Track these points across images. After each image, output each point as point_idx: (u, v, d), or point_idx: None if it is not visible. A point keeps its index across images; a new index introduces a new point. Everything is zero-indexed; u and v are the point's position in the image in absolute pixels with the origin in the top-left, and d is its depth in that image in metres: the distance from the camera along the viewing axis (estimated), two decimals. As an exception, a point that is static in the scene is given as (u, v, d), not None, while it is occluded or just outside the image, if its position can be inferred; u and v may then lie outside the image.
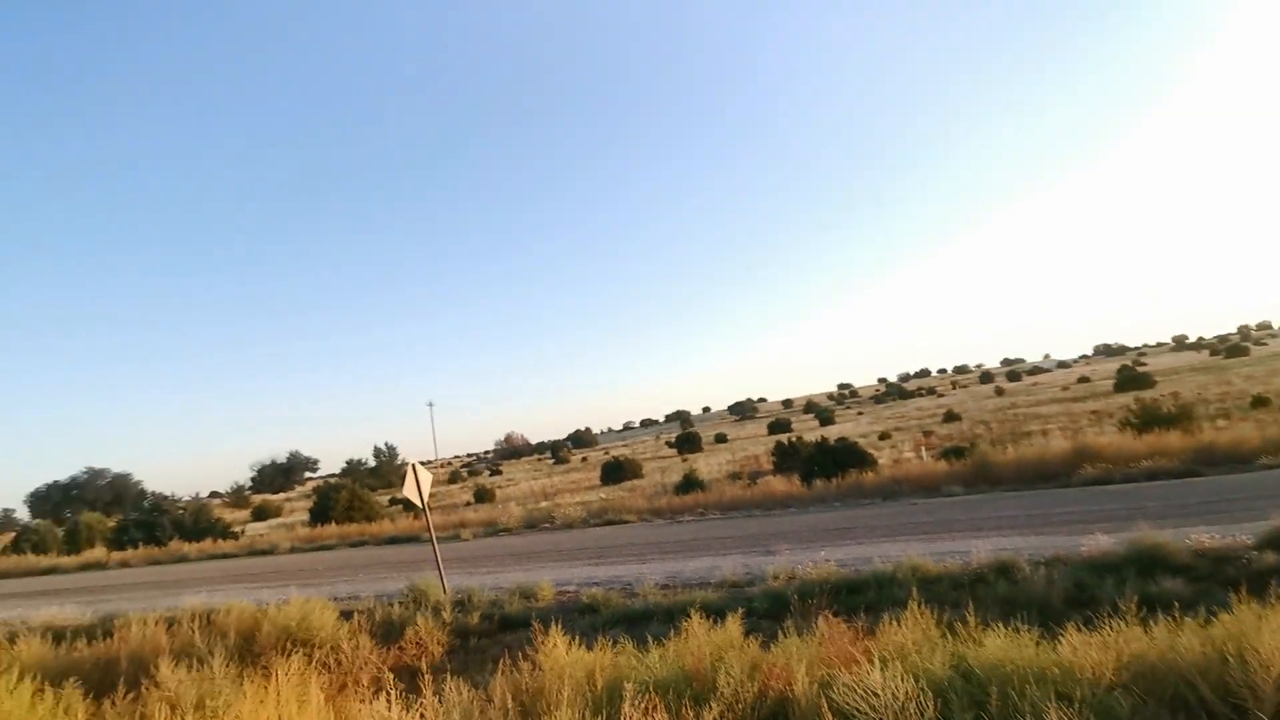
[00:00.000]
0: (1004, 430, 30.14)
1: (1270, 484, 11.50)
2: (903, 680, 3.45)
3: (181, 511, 32.98)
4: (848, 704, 3.29)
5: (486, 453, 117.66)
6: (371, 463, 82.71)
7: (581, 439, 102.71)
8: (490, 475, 63.53)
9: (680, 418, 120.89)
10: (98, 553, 27.27)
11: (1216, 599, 5.60)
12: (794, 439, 29.35)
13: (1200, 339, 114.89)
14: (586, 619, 8.32)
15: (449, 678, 4.59)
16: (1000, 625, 4.23)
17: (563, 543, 15.69)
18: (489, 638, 8.31)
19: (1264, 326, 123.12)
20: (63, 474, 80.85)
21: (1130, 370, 53.74)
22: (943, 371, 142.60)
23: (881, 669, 3.49)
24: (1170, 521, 9.02)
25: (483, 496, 36.55)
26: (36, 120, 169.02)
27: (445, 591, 10.00)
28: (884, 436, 37.31)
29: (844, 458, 20.10)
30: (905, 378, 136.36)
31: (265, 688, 4.26)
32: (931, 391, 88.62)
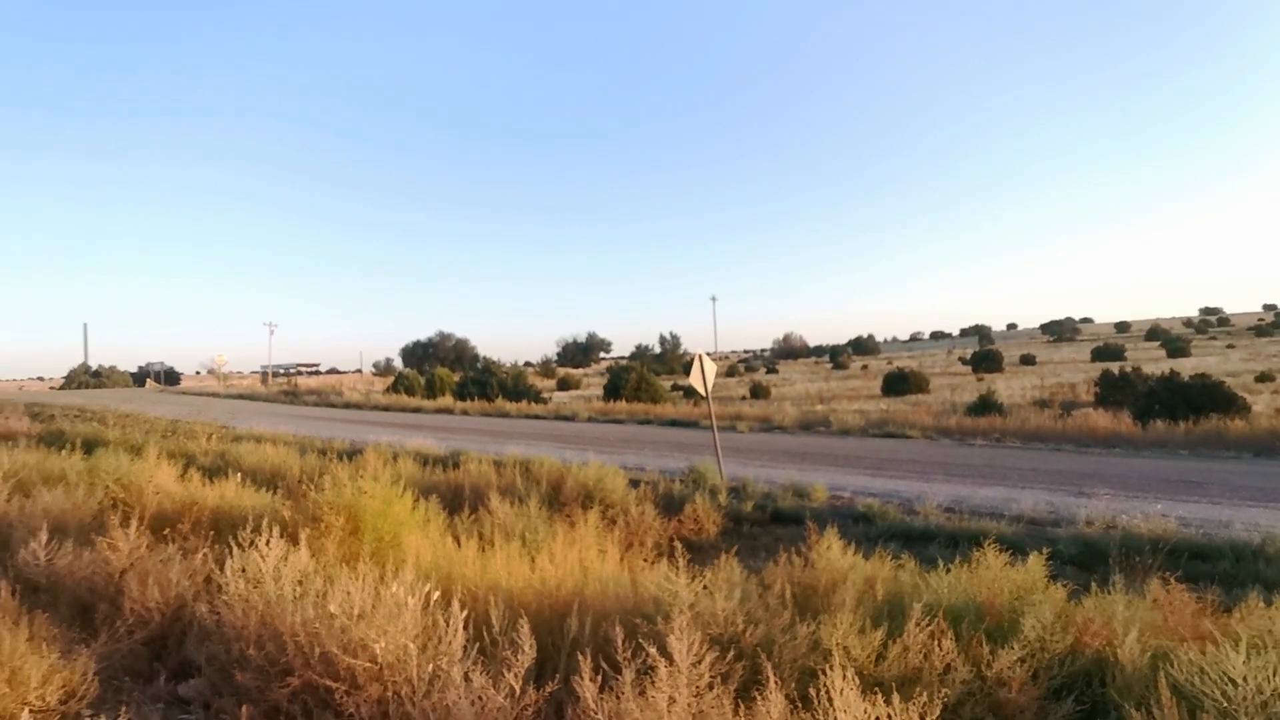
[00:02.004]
0: None
1: None
2: (1274, 674, 2.80)
3: (505, 375, 39.15)
4: (1191, 684, 2.76)
5: (764, 351, 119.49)
6: (657, 349, 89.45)
7: (863, 346, 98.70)
8: (766, 373, 64.56)
9: (979, 333, 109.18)
10: (447, 400, 34.04)
11: None
12: (1129, 369, 24.70)
13: None
14: (860, 527, 8.18)
15: (725, 556, 4.86)
16: None
17: (837, 448, 15.48)
18: (761, 527, 8.64)
19: None
20: (423, 334, 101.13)
21: None
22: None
23: (1246, 655, 2.85)
24: None
25: (758, 393, 37.41)
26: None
27: (722, 477, 10.55)
28: (1264, 378, 29.63)
29: (1200, 398, 16.44)
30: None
31: (572, 533, 4.95)
32: (1346, 327, 67.46)
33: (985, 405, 20.64)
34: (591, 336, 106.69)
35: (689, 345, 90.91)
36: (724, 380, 56.20)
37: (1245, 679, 2.85)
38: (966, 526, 7.69)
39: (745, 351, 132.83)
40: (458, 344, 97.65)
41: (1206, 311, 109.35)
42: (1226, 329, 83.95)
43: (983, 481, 10.88)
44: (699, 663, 2.59)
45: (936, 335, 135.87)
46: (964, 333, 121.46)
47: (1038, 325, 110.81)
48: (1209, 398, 16.50)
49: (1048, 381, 34.77)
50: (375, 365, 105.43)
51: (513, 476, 9.50)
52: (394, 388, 42.09)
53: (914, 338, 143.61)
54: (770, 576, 4.60)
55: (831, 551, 4.65)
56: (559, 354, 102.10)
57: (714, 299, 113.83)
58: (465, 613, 3.05)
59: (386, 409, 32.09)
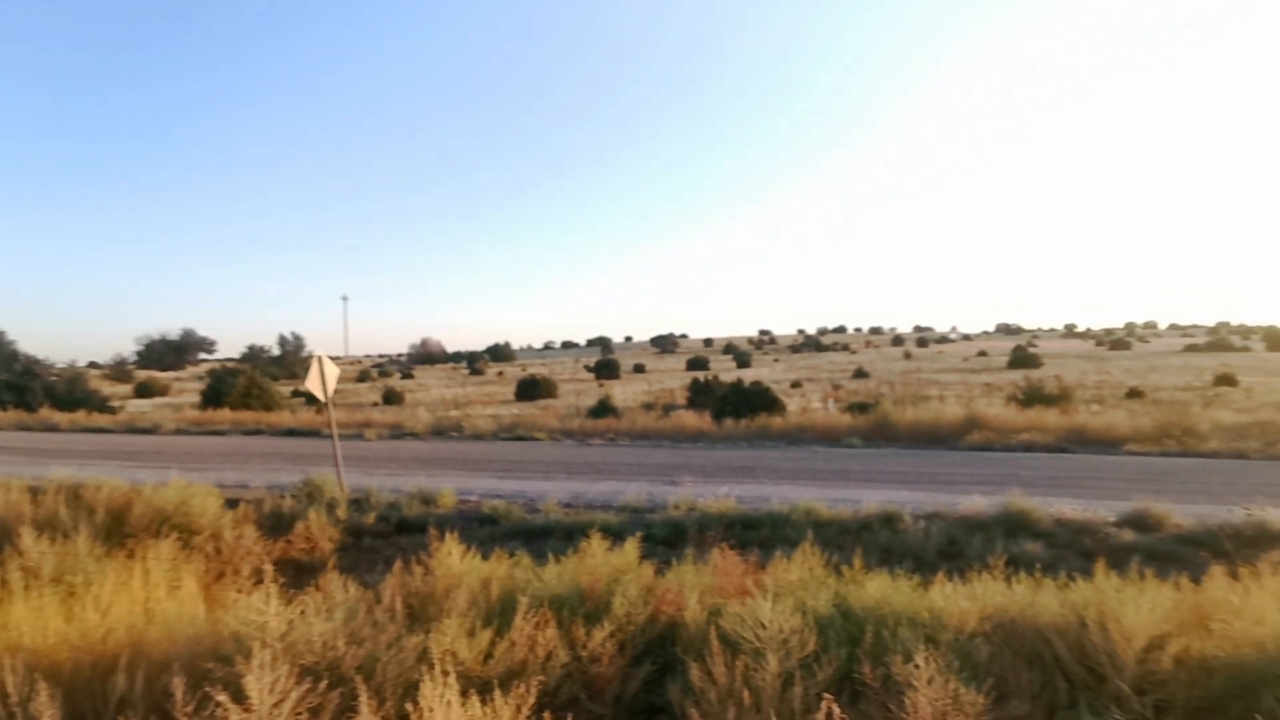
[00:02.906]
0: (907, 392, 31.76)
1: (1133, 469, 12.61)
2: (790, 614, 3.60)
3: (55, 379, 30.68)
4: (735, 632, 3.40)
5: (400, 356, 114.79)
6: (276, 351, 79.22)
7: (500, 353, 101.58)
8: (401, 379, 62.15)
9: (602, 344, 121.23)
10: (-42, 411, 25.23)
11: (1072, 566, 6.10)
12: (710, 377, 29.94)
13: (1089, 330, 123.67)
14: (486, 529, 8.34)
15: (337, 574, 4.49)
16: (881, 571, 4.48)
17: (469, 453, 15.60)
18: (384, 539, 8.21)
19: (1149, 326, 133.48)
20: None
21: (1023, 350, 57.39)
22: (859, 330, 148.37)
23: (772, 602, 3.62)
24: (1039, 491, 9.76)
25: (391, 399, 35.78)
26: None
27: (342, 489, 9.77)
28: (796, 385, 38.67)
29: (755, 400, 20.70)
30: (823, 332, 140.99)
31: (130, 568, 4.03)
32: (845, 348, 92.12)
33: (603, 409, 22.95)
34: (188, 334, 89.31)
35: (317, 348, 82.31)
36: (354, 386, 52.44)
37: (770, 622, 3.64)
38: (581, 519, 8.40)
39: (381, 356, 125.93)
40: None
41: (763, 332, 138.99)
42: (775, 346, 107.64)
43: (598, 477, 12.03)
44: (282, 701, 2.31)
45: (567, 344, 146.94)
46: (590, 343, 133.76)
47: (649, 339, 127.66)
48: (761, 400, 20.90)
49: (654, 387, 40.28)
50: None
51: (55, 506, 7.44)
52: None
53: (547, 346, 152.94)
54: (383, 589, 4.39)
55: (451, 557, 4.63)
56: (140, 354, 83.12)
57: (345, 299, 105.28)
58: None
59: None
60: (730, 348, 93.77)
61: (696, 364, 62.09)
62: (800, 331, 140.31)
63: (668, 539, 7.74)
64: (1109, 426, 16.13)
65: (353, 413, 24.29)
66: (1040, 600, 4.07)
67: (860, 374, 45.26)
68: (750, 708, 2.92)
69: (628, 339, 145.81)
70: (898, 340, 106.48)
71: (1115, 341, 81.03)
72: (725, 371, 48.73)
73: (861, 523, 8.11)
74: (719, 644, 3.23)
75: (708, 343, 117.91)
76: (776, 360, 72.80)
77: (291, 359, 74.73)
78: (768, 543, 7.43)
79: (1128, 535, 7.66)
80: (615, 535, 6.02)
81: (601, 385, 45.21)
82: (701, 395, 25.43)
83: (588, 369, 63.33)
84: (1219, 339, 76.83)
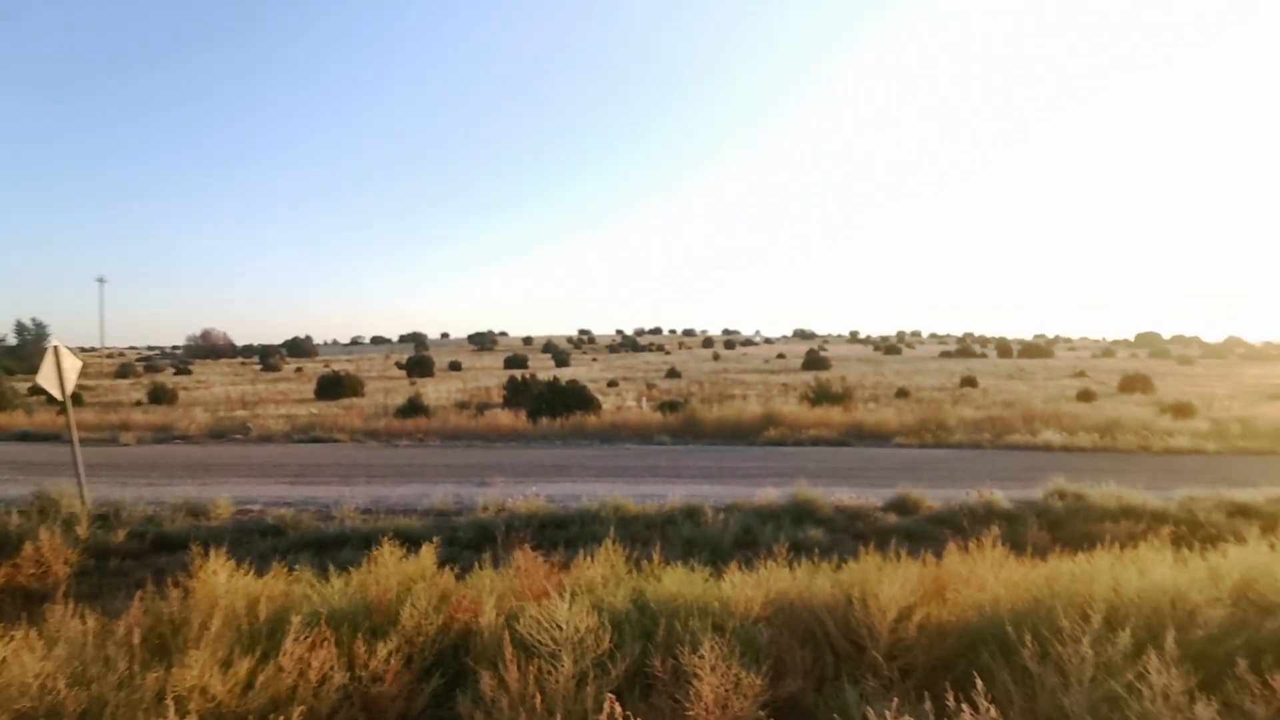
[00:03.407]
0: (714, 391, 33.67)
1: (898, 460, 14.35)
2: (587, 614, 3.60)
3: None
4: (531, 636, 3.33)
5: (175, 348, 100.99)
6: (12, 340, 66.12)
7: (300, 348, 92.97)
8: (176, 374, 54.64)
9: (415, 340, 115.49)
10: None
11: (847, 548, 6.79)
12: (527, 375, 29.63)
13: (868, 336, 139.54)
14: (269, 542, 7.53)
15: (71, 602, 3.79)
16: (680, 563, 4.65)
17: (255, 457, 14.05)
18: (137, 559, 7.11)
19: (915, 334, 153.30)
20: None
21: (815, 354, 63.40)
22: (673, 332, 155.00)
23: (570, 602, 3.60)
24: (823, 481, 10.77)
25: (160, 397, 31.29)
26: None
27: (84, 502, 8.33)
28: (612, 384, 39.46)
29: (572, 399, 20.80)
30: (640, 333, 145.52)
31: None
32: (661, 349, 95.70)
33: (413, 407, 21.81)
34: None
35: (64, 337, 69.57)
36: (113, 382, 45.16)
37: (567, 622, 3.61)
38: (381, 525, 7.86)
39: (151, 349, 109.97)
40: None
41: (582, 331, 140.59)
42: (593, 346, 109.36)
43: (402, 480, 11.38)
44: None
45: (378, 340, 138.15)
46: (403, 339, 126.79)
47: (466, 336, 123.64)
48: (577, 399, 21.05)
49: (470, 385, 39.03)
50: None
51: None
52: None
53: (355, 341, 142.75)
54: (132, 619, 3.77)
55: (216, 576, 4.08)
56: None
57: (102, 281, 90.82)
58: None
59: None
60: (550, 346, 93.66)
61: (514, 362, 61.22)
62: (619, 332, 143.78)
63: (473, 542, 7.48)
64: (881, 422, 18.26)
65: (107, 413, 20.96)
66: (816, 582, 4.45)
67: (673, 374, 47.28)
68: (542, 712, 2.87)
69: (444, 336, 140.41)
70: (708, 342, 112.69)
71: (889, 347, 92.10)
72: (543, 369, 48.56)
73: (666, 517, 8.40)
74: (514, 649, 3.14)
75: (527, 341, 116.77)
76: (595, 360, 73.93)
77: (32, 350, 62.69)
78: (575, 541, 7.44)
79: (892, 518, 8.68)
80: (417, 541, 5.69)
81: (413, 383, 42.99)
82: (518, 394, 25.08)
83: (399, 366, 59.94)
84: (965, 346, 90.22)
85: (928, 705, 2.76)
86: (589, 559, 4.90)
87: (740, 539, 7.70)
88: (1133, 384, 31.22)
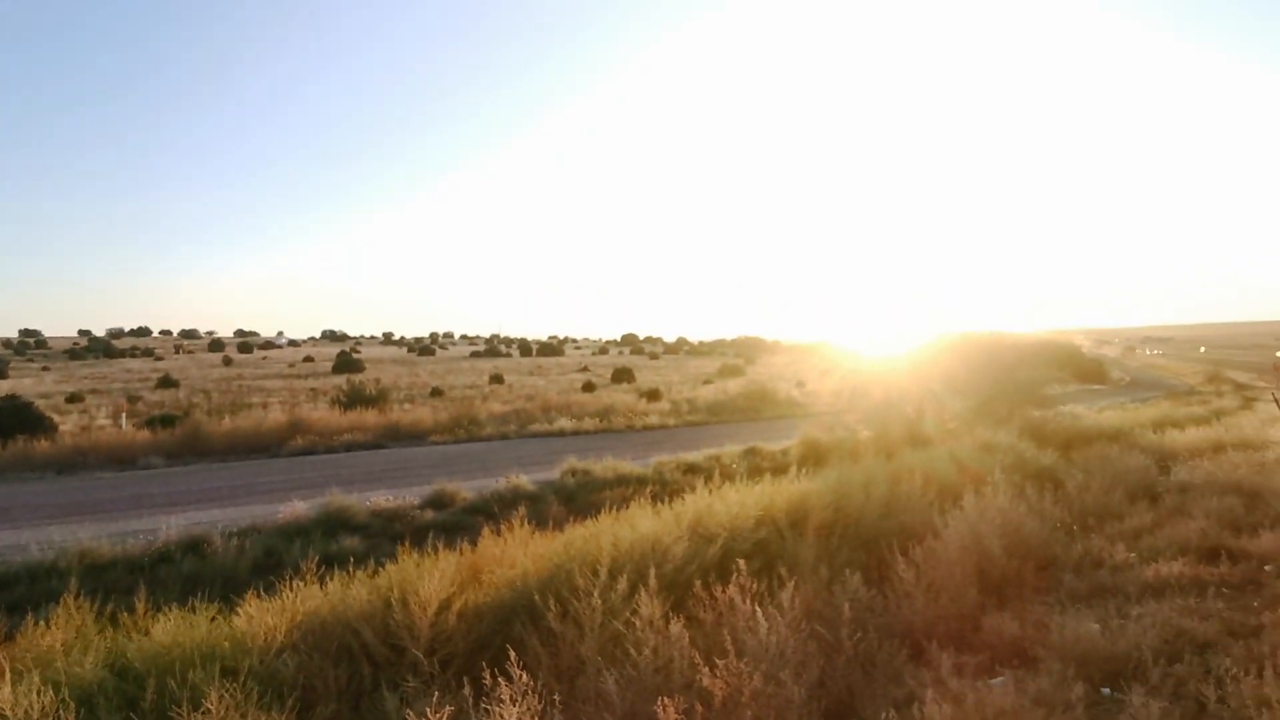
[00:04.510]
0: (225, 400, 29.06)
1: (435, 456, 14.56)
2: (39, 694, 2.68)
3: None
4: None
5: None
6: None
7: None
8: None
9: None
10: None
11: (386, 552, 6.54)
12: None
13: (403, 337, 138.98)
14: None
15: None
16: (177, 606, 3.83)
17: None
18: None
19: (448, 335, 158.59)
20: None
21: (347, 355, 60.26)
22: (166, 333, 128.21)
23: (13, 684, 2.64)
24: (358, 487, 10.26)
25: None
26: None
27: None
28: (74, 399, 30.60)
29: (10, 421, 15.42)
30: (117, 334, 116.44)
31: None
32: (149, 353, 78.29)
33: None
34: None
35: None
36: None
37: (12, 708, 2.63)
38: None
39: None
40: None
41: (26, 333, 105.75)
42: (44, 351, 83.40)
43: None
44: None
45: None
46: None
47: None
48: (19, 420, 15.70)
49: None
50: None
51: None
52: None
53: None
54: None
55: None
56: None
57: None
58: None
59: None
60: (-35, 351, 67.85)
61: (-106, 375, 42.43)
62: (84, 333, 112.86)
63: None
64: (417, 421, 18.34)
65: None
66: (351, 593, 4.16)
67: (168, 383, 39.03)
68: None
69: None
70: (216, 345, 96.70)
71: (423, 348, 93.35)
72: (-48, 384, 34.79)
73: (159, 555, 6.90)
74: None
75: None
76: (46, 369, 56.37)
77: None
78: (23, 605, 5.55)
79: (430, 514, 8.75)
80: None
81: None
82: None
83: None
84: (493, 347, 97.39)
85: (467, 690, 2.81)
86: (42, 624, 3.69)
87: (261, 564, 6.79)
88: (621, 376, 38.17)
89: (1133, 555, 5.37)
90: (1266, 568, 4.87)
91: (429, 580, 3.53)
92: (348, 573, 4.58)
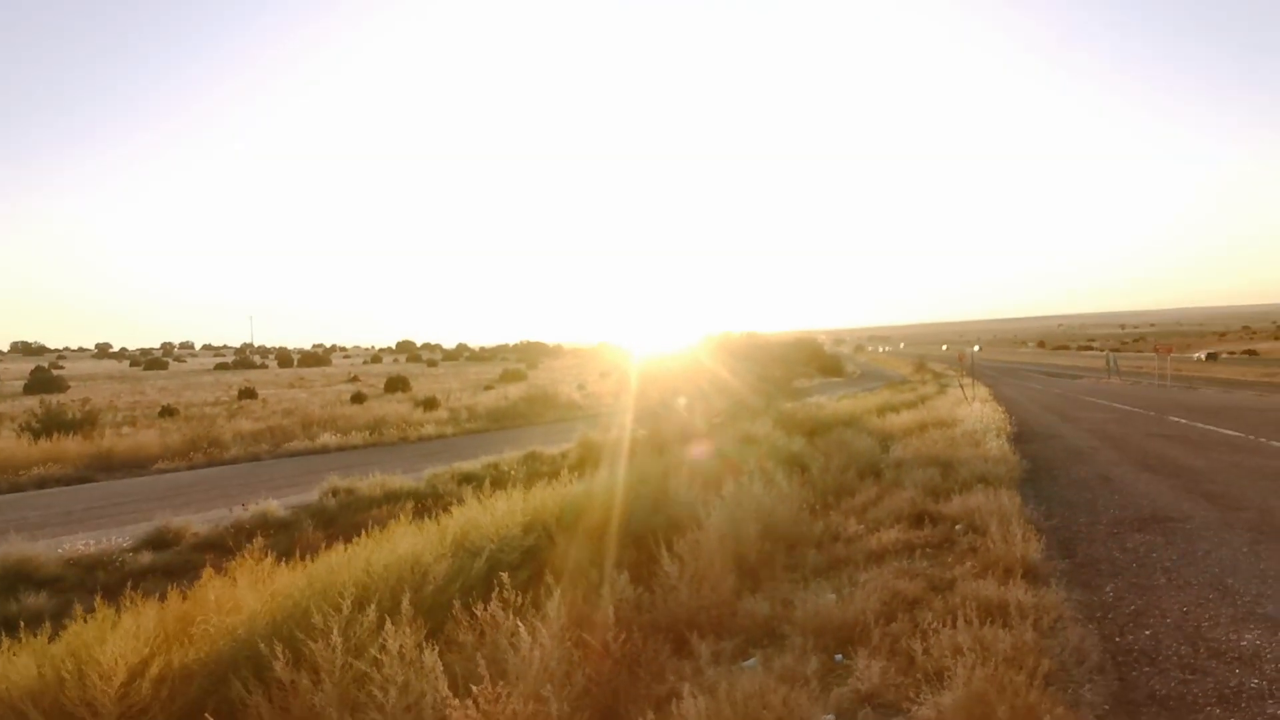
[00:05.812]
0: None
1: (162, 487, 12.40)
2: None
3: None
4: None
5: None
6: None
7: None
8: None
9: None
10: None
11: (89, 607, 5.34)
12: None
13: (124, 350, 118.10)
14: None
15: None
16: None
17: None
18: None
19: (186, 346, 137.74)
20: None
21: (45, 373, 49.68)
22: None
23: None
24: (50, 531, 8.42)
25: None
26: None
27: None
28: None
29: None
30: None
31: None
32: None
33: None
34: None
35: None
36: None
37: None
38: None
39: None
40: None
41: None
42: None
43: None
44: None
45: None
46: None
47: None
48: None
49: None
50: None
51: None
52: None
53: None
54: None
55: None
56: None
57: None
58: None
59: None
60: None
61: None
62: None
63: None
64: (138, 447, 15.55)
65: None
66: (17, 667, 3.29)
67: None
68: None
69: None
70: None
71: (151, 361, 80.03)
72: None
73: None
74: None
75: None
76: None
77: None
78: None
79: (146, 557, 7.37)
80: None
81: None
82: None
83: None
84: (244, 358, 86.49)
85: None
86: None
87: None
88: (395, 385, 35.84)
89: (861, 527, 6.08)
90: (957, 527, 5.77)
91: (112, 644, 2.86)
92: (17, 639, 3.63)
